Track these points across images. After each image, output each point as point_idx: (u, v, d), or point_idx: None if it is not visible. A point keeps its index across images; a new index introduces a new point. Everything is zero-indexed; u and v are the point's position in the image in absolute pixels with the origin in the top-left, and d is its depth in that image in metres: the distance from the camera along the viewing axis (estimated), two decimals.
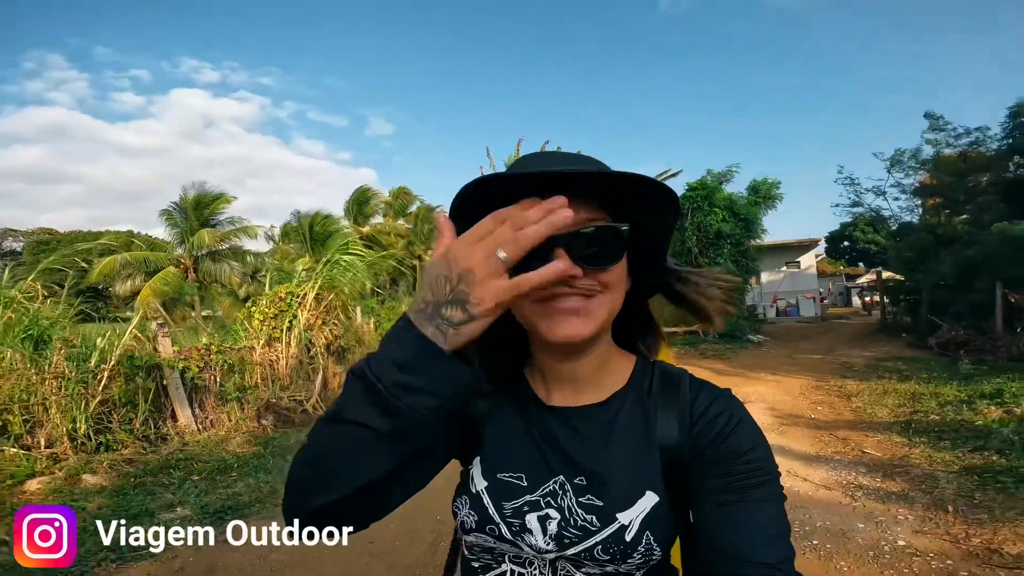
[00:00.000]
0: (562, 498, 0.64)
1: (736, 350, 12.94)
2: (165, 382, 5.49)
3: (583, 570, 0.63)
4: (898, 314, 15.34)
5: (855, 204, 18.09)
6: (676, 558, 0.71)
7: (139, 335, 5.57)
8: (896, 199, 17.42)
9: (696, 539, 0.61)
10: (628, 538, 0.60)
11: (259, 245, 22.96)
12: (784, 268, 23.51)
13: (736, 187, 17.47)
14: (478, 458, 0.70)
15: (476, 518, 0.66)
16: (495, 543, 0.66)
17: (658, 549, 0.61)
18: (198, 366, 5.81)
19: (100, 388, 4.98)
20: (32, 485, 4.06)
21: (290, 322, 7.50)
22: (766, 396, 6.97)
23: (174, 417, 5.56)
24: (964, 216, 14.64)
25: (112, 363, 5.10)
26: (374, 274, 11.54)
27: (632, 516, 0.61)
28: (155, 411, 5.44)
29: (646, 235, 0.64)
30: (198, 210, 19.92)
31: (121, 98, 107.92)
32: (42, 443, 4.55)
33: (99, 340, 5.45)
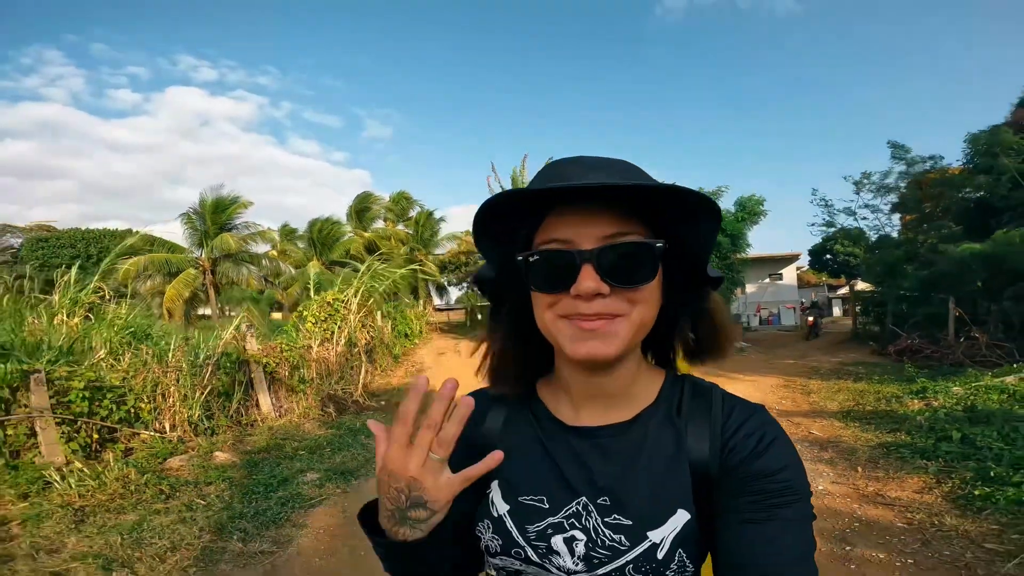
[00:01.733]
0: (586, 519, 0.63)
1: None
2: (252, 375, 6.69)
3: None
4: (867, 324, 16.80)
5: (828, 224, 19.62)
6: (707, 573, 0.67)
7: (235, 334, 6.78)
8: (864, 218, 19.01)
9: (717, 557, 0.59)
10: (660, 556, 0.59)
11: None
12: (767, 280, 25.07)
13: (724, 204, 18.94)
14: (496, 481, 0.69)
15: (501, 542, 0.66)
16: (522, 566, 0.65)
17: (691, 566, 0.60)
18: (275, 361, 7.02)
19: (205, 380, 6.17)
20: (174, 463, 4.98)
21: (339, 324, 8.74)
22: (741, 392, 8.13)
23: (258, 406, 6.75)
24: (931, 234, 16.16)
25: (215, 358, 6.30)
26: (405, 282, 12.80)
27: (664, 534, 0.60)
28: (243, 400, 6.64)
29: (685, 248, 0.60)
30: (216, 214, 20.98)
31: (117, 95, 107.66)
32: (167, 427, 5.70)
33: (198, 337, 6.66)
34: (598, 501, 0.63)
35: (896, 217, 18.43)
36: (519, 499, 0.66)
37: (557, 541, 0.63)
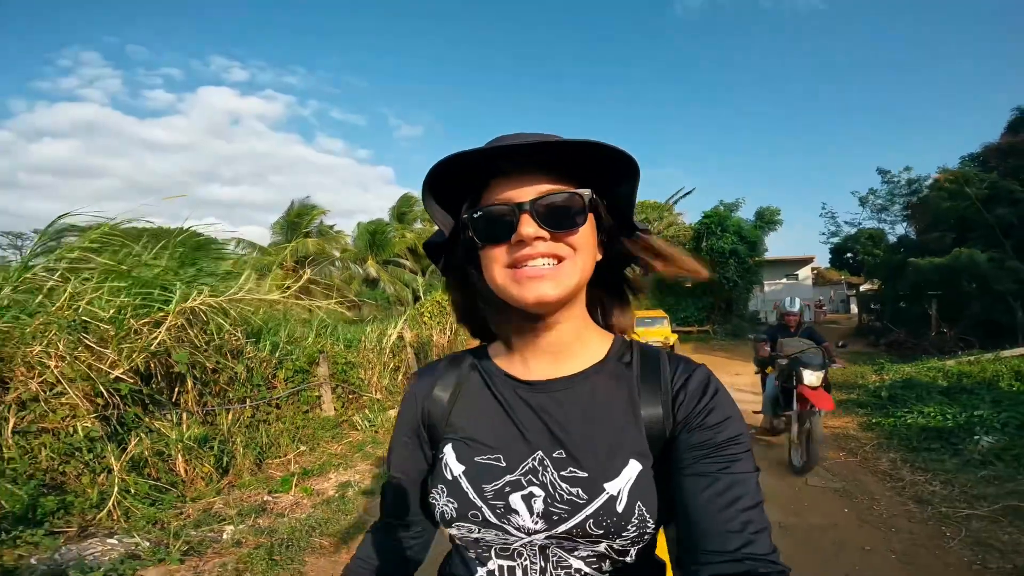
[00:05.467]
0: (543, 474, 0.63)
1: (738, 345, 17.00)
2: (408, 355, 9.69)
3: (576, 554, 0.63)
4: (870, 320, 19.24)
5: (833, 234, 22.00)
6: (662, 551, 0.71)
7: (403, 326, 9.80)
8: (884, 220, 21.10)
9: (681, 513, 0.60)
10: (620, 509, 0.60)
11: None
12: (784, 279, 27.53)
13: (744, 212, 21.51)
14: (449, 444, 0.70)
15: (456, 505, 0.65)
16: (480, 531, 0.65)
17: (651, 522, 0.61)
18: (416, 345, 10.02)
19: (385, 358, 9.17)
20: (391, 414, 7.29)
21: (448, 318, 11.76)
22: (753, 371, 11.07)
23: None
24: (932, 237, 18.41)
25: (389, 344, 9.31)
26: None
27: (620, 485, 0.61)
28: (406, 372, 9.64)
29: (611, 200, 0.67)
30: (298, 219, 24.29)
31: (152, 95, 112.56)
32: (374, 391, 8.69)
33: (370, 330, 9.68)
34: (553, 454, 0.64)
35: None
36: (475, 459, 0.67)
37: (515, 499, 0.63)
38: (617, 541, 0.61)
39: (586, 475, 0.62)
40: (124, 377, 4.00)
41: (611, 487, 0.61)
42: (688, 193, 33.08)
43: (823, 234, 25.27)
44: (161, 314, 4.27)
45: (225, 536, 3.63)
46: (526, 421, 0.68)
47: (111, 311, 4.04)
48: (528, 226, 0.61)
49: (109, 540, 3.40)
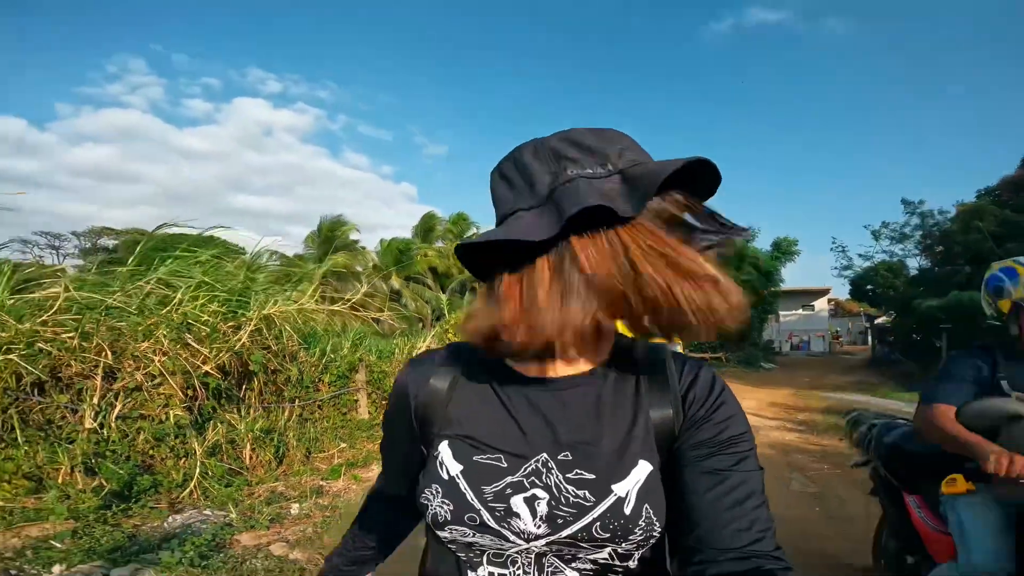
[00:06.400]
0: (547, 476, 0.61)
1: (750, 373, 17.47)
2: None
3: (573, 565, 0.61)
4: (883, 351, 19.50)
5: (845, 268, 22.34)
6: None
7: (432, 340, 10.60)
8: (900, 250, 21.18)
9: (686, 511, 0.59)
10: (627, 511, 0.58)
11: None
12: (800, 310, 27.87)
13: (758, 244, 22.04)
14: (445, 441, 0.65)
15: (452, 507, 0.61)
16: (475, 535, 0.62)
17: (658, 524, 0.60)
18: None
19: None
20: None
21: None
22: (759, 397, 11.65)
23: None
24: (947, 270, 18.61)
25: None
26: None
27: (628, 487, 0.60)
28: None
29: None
30: (329, 234, 25.50)
31: (191, 104, 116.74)
32: None
33: (399, 343, 10.50)
34: (559, 457, 0.62)
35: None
36: (474, 458, 0.63)
37: (517, 501, 0.60)
38: (623, 545, 0.59)
39: (593, 477, 0.60)
40: (212, 372, 4.82)
41: (619, 488, 0.59)
42: None
43: (834, 268, 25.66)
44: (243, 319, 5.11)
45: (293, 511, 4.36)
46: (529, 420, 0.64)
47: (205, 315, 4.89)
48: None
49: (204, 512, 4.16)
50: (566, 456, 0.62)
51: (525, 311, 0.56)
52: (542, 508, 0.60)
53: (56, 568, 2.93)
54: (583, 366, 0.67)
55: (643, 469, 0.61)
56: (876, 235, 20.60)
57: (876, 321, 22.75)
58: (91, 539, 3.28)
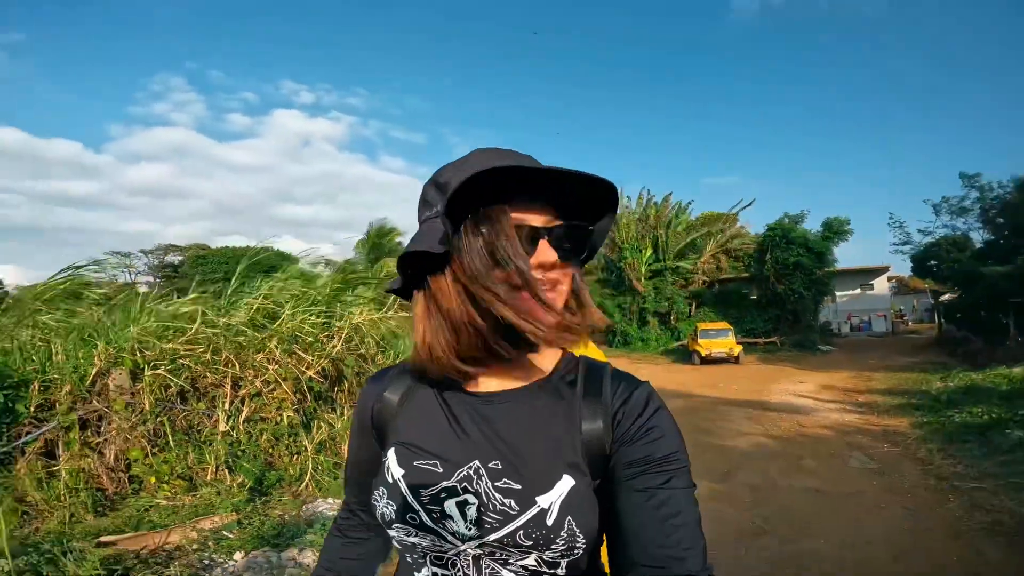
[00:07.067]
0: (477, 483, 0.64)
1: (807, 356, 17.26)
2: None
3: (508, 567, 0.63)
4: (950, 329, 18.81)
5: (904, 243, 21.49)
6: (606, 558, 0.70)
7: None
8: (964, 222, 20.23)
9: (612, 529, 0.62)
10: (549, 523, 0.61)
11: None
12: (858, 289, 26.98)
13: (809, 223, 21.58)
14: (392, 448, 0.70)
15: (395, 507, 0.66)
16: (416, 534, 0.66)
17: (581, 537, 0.61)
18: None
19: None
20: None
21: None
22: (817, 379, 11.66)
23: None
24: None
25: None
26: None
27: (552, 500, 0.62)
28: None
29: (595, 234, 0.69)
30: (378, 239, 26.62)
31: (232, 119, 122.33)
32: None
33: None
34: (489, 465, 0.65)
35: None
36: (414, 463, 0.67)
37: (450, 505, 0.64)
38: (546, 554, 0.61)
39: (520, 487, 0.63)
40: (316, 377, 5.53)
41: (543, 500, 0.61)
42: (749, 205, 33.03)
43: (893, 244, 24.62)
44: (336, 328, 5.81)
45: None
46: (468, 430, 0.68)
47: (306, 326, 5.61)
48: (549, 252, 0.63)
49: (327, 501, 4.82)
50: (496, 465, 0.65)
51: (420, 341, 0.69)
52: (471, 512, 0.63)
53: (237, 555, 3.41)
54: (523, 381, 0.71)
55: (567, 483, 0.63)
56: (937, 209, 19.83)
57: (942, 298, 21.78)
58: (254, 528, 3.84)
